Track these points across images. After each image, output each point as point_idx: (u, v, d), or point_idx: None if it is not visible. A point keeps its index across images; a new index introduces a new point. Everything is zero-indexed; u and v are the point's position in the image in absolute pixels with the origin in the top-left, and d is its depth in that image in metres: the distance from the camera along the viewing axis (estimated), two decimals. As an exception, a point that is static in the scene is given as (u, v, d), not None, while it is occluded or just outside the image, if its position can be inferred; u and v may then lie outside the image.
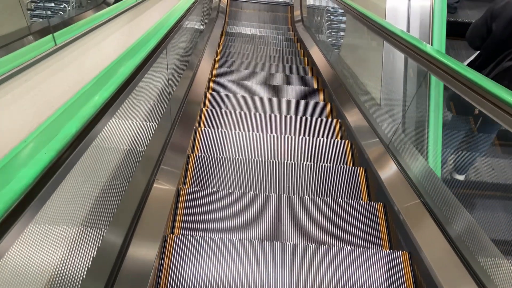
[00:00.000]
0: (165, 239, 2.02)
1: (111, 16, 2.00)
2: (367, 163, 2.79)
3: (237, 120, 3.52)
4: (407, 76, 2.98)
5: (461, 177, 3.16)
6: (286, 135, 3.25)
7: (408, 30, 3.14)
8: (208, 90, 4.22)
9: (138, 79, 1.76)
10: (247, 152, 3.11)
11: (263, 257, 2.00)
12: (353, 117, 3.36)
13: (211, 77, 4.61)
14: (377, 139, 2.86)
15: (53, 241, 1.14)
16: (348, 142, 3.22)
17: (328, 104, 4.00)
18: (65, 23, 1.51)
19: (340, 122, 3.60)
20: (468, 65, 3.16)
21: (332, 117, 3.85)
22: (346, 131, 3.40)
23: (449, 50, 2.98)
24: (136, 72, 1.68)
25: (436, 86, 2.61)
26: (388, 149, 2.67)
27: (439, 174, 2.40)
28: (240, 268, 1.95)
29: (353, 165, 3.07)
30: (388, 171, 2.51)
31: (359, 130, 3.14)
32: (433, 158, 2.57)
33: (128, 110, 1.80)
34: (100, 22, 1.86)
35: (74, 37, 1.56)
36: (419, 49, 2.30)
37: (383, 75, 3.19)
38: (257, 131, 3.38)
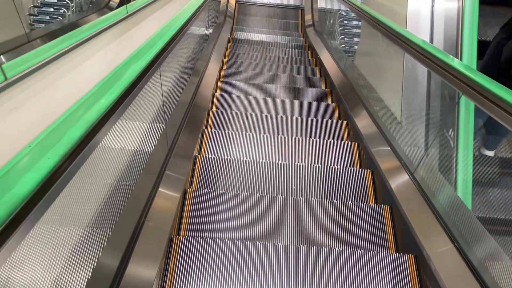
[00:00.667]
0: (171, 241, 2.03)
1: (94, 33, 1.65)
2: (390, 196, 2.51)
3: (245, 121, 3.52)
4: (430, 91, 2.73)
5: (490, 153, 3.03)
6: (295, 137, 3.25)
7: (431, 40, 2.88)
8: (216, 91, 4.23)
9: (144, 82, 1.76)
10: (255, 154, 3.11)
11: (269, 260, 2.00)
12: (374, 141, 3.02)
13: (219, 78, 4.63)
14: (401, 168, 2.56)
15: (57, 243, 1.15)
16: (355, 144, 3.20)
17: (335, 105, 3.99)
18: (25, 48, 1.20)
19: (348, 125, 3.57)
20: (503, 26, 3.07)
21: (339, 118, 3.84)
22: (366, 157, 3.10)
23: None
24: (141, 76, 1.68)
25: (466, 107, 2.34)
26: (413, 178, 2.39)
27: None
28: (246, 271, 1.96)
29: (360, 167, 3.06)
30: (415, 208, 2.22)
31: (380, 154, 2.84)
32: (463, 190, 2.31)
33: (134, 112, 1.81)
34: (78, 41, 1.48)
35: (36, 66, 1.17)
36: (445, 64, 2.02)
37: (404, 89, 2.92)
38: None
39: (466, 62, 2.69)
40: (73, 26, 1.54)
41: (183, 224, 2.30)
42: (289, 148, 3.16)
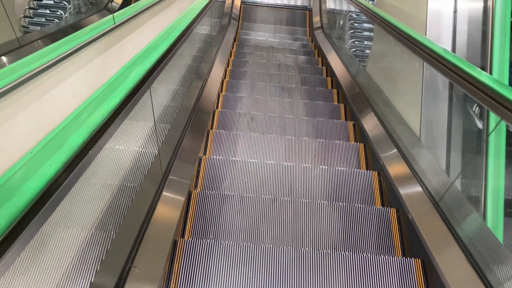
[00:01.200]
0: (175, 243, 2.01)
1: (70, 51, 1.31)
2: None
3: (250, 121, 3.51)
4: (453, 98, 2.46)
5: None
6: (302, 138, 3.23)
7: (453, 50, 2.60)
8: (221, 91, 4.21)
9: (151, 81, 1.74)
10: (260, 155, 3.09)
11: (275, 263, 1.99)
12: (394, 165, 2.69)
13: (224, 79, 4.60)
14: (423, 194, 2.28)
15: (59, 249, 1.14)
16: (361, 145, 3.17)
17: (342, 105, 3.96)
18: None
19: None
20: None
21: (346, 119, 3.80)
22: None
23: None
24: (145, 79, 1.67)
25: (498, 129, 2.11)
26: (438, 207, 2.11)
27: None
28: (251, 274, 1.94)
29: (367, 168, 3.03)
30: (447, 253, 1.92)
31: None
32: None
33: (141, 111, 1.80)
34: (49, 61, 1.17)
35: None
36: (472, 77, 1.77)
37: (423, 101, 2.65)
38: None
39: (498, 61, 2.42)
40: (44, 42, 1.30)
41: (188, 226, 2.29)
42: (295, 149, 3.14)
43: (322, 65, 5.39)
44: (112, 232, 1.54)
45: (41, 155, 0.94)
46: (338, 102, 4.16)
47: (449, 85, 2.51)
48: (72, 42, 1.35)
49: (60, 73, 1.29)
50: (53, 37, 1.28)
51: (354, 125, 3.55)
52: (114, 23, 1.71)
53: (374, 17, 3.51)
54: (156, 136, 2.07)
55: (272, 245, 2.07)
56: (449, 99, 2.53)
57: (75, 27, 1.48)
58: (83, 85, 1.49)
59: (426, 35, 2.69)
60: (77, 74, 1.42)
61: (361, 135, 3.37)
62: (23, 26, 1.81)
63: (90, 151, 1.09)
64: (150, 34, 2.29)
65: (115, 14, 1.69)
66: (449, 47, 2.63)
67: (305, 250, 2.04)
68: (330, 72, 4.88)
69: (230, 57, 5.39)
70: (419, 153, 2.55)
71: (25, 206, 0.79)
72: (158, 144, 2.14)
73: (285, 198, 2.47)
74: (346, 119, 3.80)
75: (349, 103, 3.86)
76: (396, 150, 2.72)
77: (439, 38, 2.65)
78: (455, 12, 2.63)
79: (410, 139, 2.69)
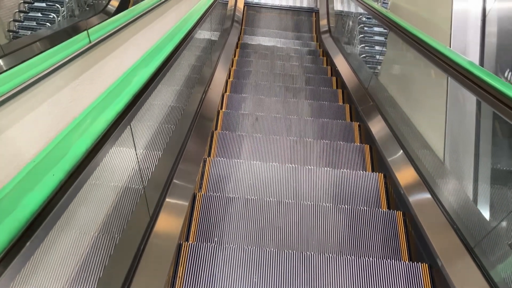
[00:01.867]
0: (179, 247, 2.00)
1: (31, 80, 1.04)
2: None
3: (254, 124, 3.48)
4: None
5: None
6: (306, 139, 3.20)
7: (481, 64, 2.34)
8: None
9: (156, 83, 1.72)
10: (264, 158, 3.07)
11: (279, 267, 1.97)
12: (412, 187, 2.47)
13: (228, 79, 4.58)
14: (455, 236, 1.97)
15: (61, 256, 1.13)
16: (367, 146, 3.15)
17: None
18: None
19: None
20: None
21: (351, 120, 3.77)
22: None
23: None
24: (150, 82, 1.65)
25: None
26: (474, 257, 1.82)
27: None
28: (255, 278, 1.93)
29: (372, 170, 3.00)
30: None
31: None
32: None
33: (147, 110, 1.78)
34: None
35: None
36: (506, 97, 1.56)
37: (448, 119, 2.39)
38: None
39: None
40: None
41: (192, 229, 2.27)
42: (300, 151, 3.12)
43: (327, 65, 5.36)
44: (116, 236, 1.53)
45: (45, 163, 0.92)
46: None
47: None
48: (36, 68, 1.09)
49: (18, 109, 1.02)
50: (45, 42, 1.21)
51: (359, 125, 3.51)
52: (90, 42, 1.40)
53: (389, 24, 3.26)
54: (142, 158, 1.86)
55: (276, 249, 2.06)
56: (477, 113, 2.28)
57: (70, 29, 1.38)
58: (48, 120, 1.19)
59: (450, 47, 2.44)
60: (40, 108, 1.13)
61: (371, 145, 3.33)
62: (11, 31, 1.70)
63: (93, 159, 1.07)
64: (138, 50, 1.98)
65: (90, 30, 1.41)
66: (476, 61, 2.39)
67: (310, 254, 2.02)
68: (341, 83, 4.56)
69: (234, 57, 5.36)
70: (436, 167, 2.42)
71: (30, 216, 0.76)
72: (160, 150, 2.12)
73: (289, 201, 2.45)
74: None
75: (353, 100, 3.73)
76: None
77: (466, 50, 2.40)
78: (483, 20, 2.40)
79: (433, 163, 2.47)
